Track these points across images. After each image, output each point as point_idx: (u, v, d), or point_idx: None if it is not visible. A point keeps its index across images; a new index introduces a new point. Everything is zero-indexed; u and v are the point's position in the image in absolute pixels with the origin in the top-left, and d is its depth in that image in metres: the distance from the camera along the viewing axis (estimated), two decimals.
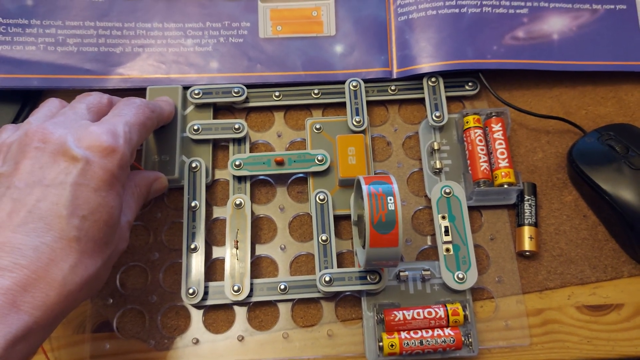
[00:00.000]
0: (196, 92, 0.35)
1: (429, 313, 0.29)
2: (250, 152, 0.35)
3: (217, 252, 0.33)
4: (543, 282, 0.32)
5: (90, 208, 0.24)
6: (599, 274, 0.33)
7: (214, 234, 0.33)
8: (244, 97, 0.35)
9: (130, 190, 0.29)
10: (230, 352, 0.31)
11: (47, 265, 0.23)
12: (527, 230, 0.32)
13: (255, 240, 0.33)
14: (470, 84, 0.36)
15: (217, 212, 0.34)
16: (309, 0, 0.38)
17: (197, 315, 0.31)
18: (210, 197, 0.34)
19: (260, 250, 0.33)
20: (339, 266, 0.32)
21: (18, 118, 0.36)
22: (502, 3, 0.37)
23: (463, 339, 0.29)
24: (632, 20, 0.37)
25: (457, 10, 0.36)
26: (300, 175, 0.34)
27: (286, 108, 0.37)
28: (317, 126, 0.35)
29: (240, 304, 0.31)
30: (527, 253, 0.32)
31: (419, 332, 0.29)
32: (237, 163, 0.33)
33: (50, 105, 0.29)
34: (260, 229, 0.34)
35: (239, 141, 0.35)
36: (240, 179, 0.34)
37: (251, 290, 0.31)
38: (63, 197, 0.24)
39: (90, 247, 0.24)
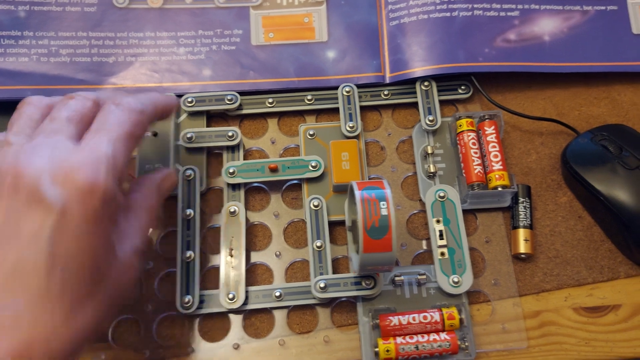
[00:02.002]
0: (189, 100, 0.35)
1: (425, 317, 0.29)
2: (244, 159, 0.35)
3: (212, 260, 0.33)
4: (539, 284, 0.32)
5: (71, 256, 0.22)
6: (595, 275, 0.33)
7: (209, 242, 0.33)
8: (237, 104, 0.35)
9: (134, 211, 0.26)
10: (227, 359, 0.30)
11: (31, 327, 0.21)
12: (522, 233, 0.32)
13: (250, 247, 0.33)
14: (463, 87, 0.37)
15: (212, 220, 0.34)
16: (300, 7, 0.38)
17: (193, 325, 0.31)
18: (205, 205, 0.34)
19: (256, 257, 0.33)
20: (334, 272, 0.32)
21: None
22: (493, 6, 0.37)
23: (459, 343, 0.29)
24: (623, 21, 0.37)
25: (448, 14, 0.36)
26: (295, 181, 0.34)
27: (280, 115, 0.37)
28: (311, 132, 0.35)
29: (235, 311, 0.31)
30: (523, 255, 0.32)
31: (415, 337, 0.29)
32: (231, 171, 0.33)
33: (30, 111, 0.26)
34: (255, 236, 0.34)
35: (233, 149, 0.35)
36: (234, 187, 0.34)
37: (246, 297, 0.31)
38: (40, 253, 0.21)
39: (77, 296, 0.23)
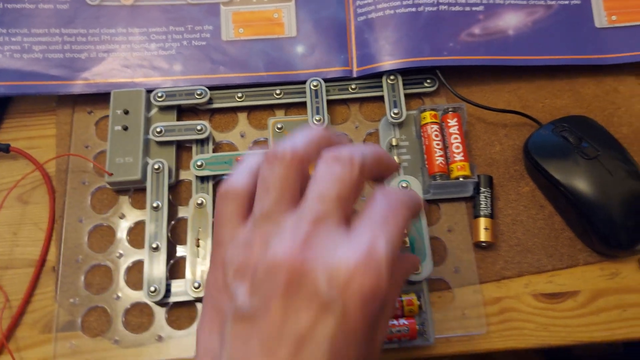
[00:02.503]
0: (159, 94, 0.36)
1: None
2: (214, 152, 0.36)
3: (181, 251, 0.34)
4: (500, 271, 0.33)
5: None
6: (555, 263, 0.33)
7: (178, 233, 0.34)
8: (206, 98, 0.36)
9: (384, 315, 0.23)
10: (193, 347, 0.31)
11: None
12: (482, 222, 0.33)
13: None
14: (428, 80, 0.37)
15: (182, 212, 0.35)
16: (270, 3, 0.39)
17: (160, 313, 0.32)
18: (175, 198, 0.35)
19: None
20: None
21: None
22: (458, 1, 0.38)
23: (418, 328, 0.30)
24: (586, 15, 0.38)
25: (414, 10, 0.37)
26: None
27: (249, 109, 0.38)
28: (279, 125, 0.36)
29: (201, 300, 0.32)
30: (484, 244, 0.33)
31: None
32: (198, 163, 0.34)
33: (284, 173, 0.22)
34: None
35: (202, 142, 0.36)
36: (203, 179, 0.34)
37: None
38: (320, 357, 0.19)
39: None
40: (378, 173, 0.24)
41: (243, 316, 0.20)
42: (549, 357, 0.72)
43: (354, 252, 0.20)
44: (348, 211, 0.22)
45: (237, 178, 0.24)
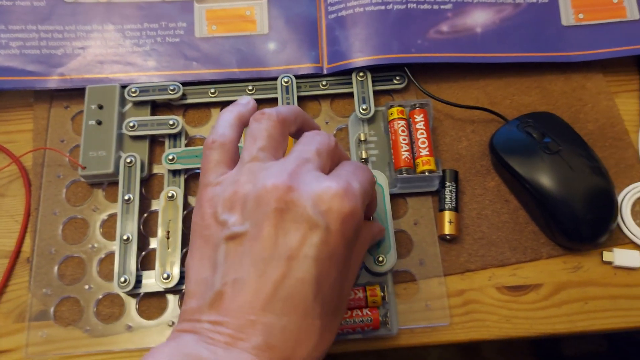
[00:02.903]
0: (133, 90, 0.37)
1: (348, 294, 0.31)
2: (187, 146, 0.37)
3: (153, 242, 0.34)
4: (464, 264, 0.34)
5: (331, 282, 0.23)
6: (519, 256, 0.34)
7: (150, 226, 0.35)
8: (179, 94, 0.37)
9: (357, 250, 0.26)
10: (162, 336, 0.32)
11: (295, 346, 0.22)
12: (447, 215, 0.34)
13: (190, 231, 0.35)
14: (397, 77, 0.38)
15: (154, 205, 0.35)
16: (243, 0, 0.39)
17: (131, 304, 0.33)
18: (147, 191, 0.36)
19: None
20: None
21: None
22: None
23: (381, 318, 0.31)
24: (554, 13, 0.39)
25: (383, 7, 0.38)
26: None
27: (222, 104, 0.38)
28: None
29: (171, 291, 0.33)
30: (448, 236, 0.34)
31: None
32: (170, 157, 0.35)
33: (271, 128, 0.25)
34: None
35: (175, 137, 0.36)
36: (174, 173, 0.35)
37: (182, 278, 0.32)
38: (308, 273, 0.22)
39: (330, 320, 0.23)
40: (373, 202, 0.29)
41: (236, 236, 0.23)
42: (539, 356, 0.73)
43: (335, 184, 0.23)
44: (325, 166, 0.25)
45: (221, 130, 0.26)
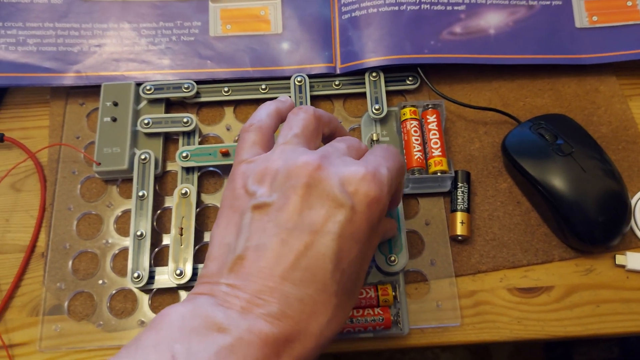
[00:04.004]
0: (148, 88, 0.37)
1: (360, 293, 0.31)
2: (200, 144, 0.37)
3: (166, 239, 0.35)
4: (476, 265, 0.34)
5: (350, 261, 0.23)
6: (530, 258, 0.34)
7: (164, 222, 0.35)
8: (193, 92, 0.37)
9: (374, 239, 0.26)
10: None
11: (309, 318, 0.22)
12: (459, 216, 0.34)
13: (202, 228, 0.35)
14: (410, 78, 0.38)
15: (168, 202, 0.36)
16: (257, 0, 0.40)
17: (144, 299, 0.33)
18: (161, 188, 0.36)
19: (208, 237, 0.35)
20: None
21: None
22: (440, 0, 0.38)
23: (392, 318, 0.31)
24: (567, 15, 0.39)
25: (397, 8, 0.38)
26: None
27: (236, 103, 0.39)
28: None
29: (184, 287, 0.33)
30: (460, 237, 0.34)
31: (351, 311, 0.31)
32: (184, 155, 0.35)
33: (308, 120, 0.27)
34: (207, 217, 0.35)
35: (189, 134, 0.37)
36: (188, 170, 0.35)
37: (195, 274, 0.33)
38: (330, 249, 0.22)
39: (344, 300, 0.23)
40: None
41: (263, 206, 0.23)
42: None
43: (364, 168, 0.24)
44: (355, 158, 0.26)
45: (259, 116, 0.28)
